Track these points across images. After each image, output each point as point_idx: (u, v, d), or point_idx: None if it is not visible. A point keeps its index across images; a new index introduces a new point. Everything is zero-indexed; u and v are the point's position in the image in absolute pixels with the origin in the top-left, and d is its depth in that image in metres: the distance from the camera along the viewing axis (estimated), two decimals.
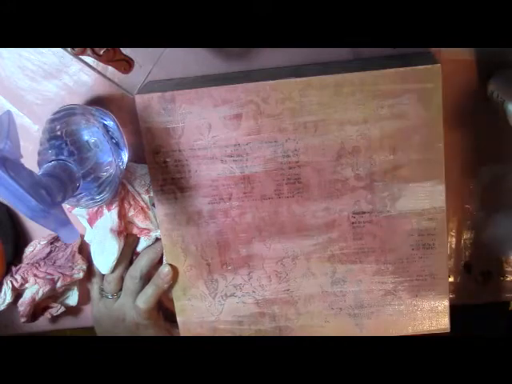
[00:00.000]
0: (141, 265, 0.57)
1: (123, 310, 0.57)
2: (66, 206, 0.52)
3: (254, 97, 0.51)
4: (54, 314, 0.60)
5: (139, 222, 0.55)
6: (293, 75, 0.50)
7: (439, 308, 0.56)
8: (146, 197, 0.55)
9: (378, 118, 0.51)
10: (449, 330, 0.56)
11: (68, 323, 0.63)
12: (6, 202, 0.59)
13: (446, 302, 0.56)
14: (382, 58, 0.52)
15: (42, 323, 0.61)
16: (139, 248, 0.58)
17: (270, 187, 0.53)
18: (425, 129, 0.51)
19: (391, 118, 0.51)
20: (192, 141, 0.52)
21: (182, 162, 0.53)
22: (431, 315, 0.56)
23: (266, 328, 0.58)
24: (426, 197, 0.52)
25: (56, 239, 0.59)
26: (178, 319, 0.58)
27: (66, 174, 0.44)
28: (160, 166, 0.53)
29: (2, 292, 0.57)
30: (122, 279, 0.58)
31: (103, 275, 0.58)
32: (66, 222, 0.42)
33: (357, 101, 0.50)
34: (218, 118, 0.51)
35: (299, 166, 0.52)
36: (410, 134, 0.51)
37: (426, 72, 0.49)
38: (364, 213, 0.53)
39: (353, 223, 0.54)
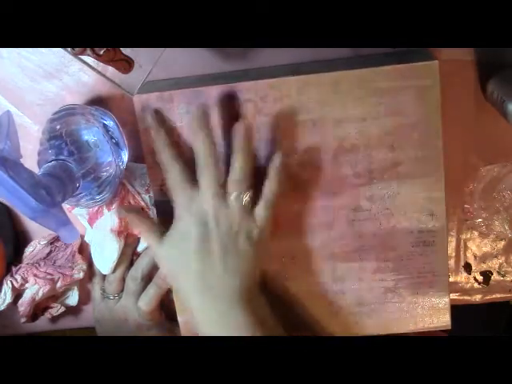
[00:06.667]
0: (142, 265, 0.57)
1: (125, 311, 0.57)
2: (65, 205, 0.52)
3: (252, 95, 0.51)
4: (54, 314, 0.60)
5: None
6: (290, 73, 0.50)
7: (440, 305, 0.55)
8: (146, 196, 0.55)
9: (377, 115, 0.51)
10: (450, 327, 0.56)
11: (68, 323, 0.63)
12: (5, 201, 0.59)
13: (447, 299, 0.55)
14: (379, 55, 0.52)
15: (42, 323, 0.61)
16: (140, 248, 0.58)
17: None
18: (423, 126, 0.51)
19: (389, 115, 0.51)
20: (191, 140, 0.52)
21: None
22: (432, 312, 0.56)
23: None
24: (425, 194, 0.52)
25: (56, 239, 0.59)
26: (179, 319, 0.58)
27: (66, 174, 0.44)
28: (158, 166, 0.53)
29: (2, 292, 0.57)
30: (123, 280, 0.58)
31: (104, 276, 0.58)
32: (66, 222, 0.42)
33: (355, 98, 0.50)
34: (216, 117, 0.51)
35: (298, 164, 0.52)
36: (408, 131, 0.51)
37: (424, 69, 0.49)
38: (363, 210, 0.53)
39: (352, 221, 0.54)
